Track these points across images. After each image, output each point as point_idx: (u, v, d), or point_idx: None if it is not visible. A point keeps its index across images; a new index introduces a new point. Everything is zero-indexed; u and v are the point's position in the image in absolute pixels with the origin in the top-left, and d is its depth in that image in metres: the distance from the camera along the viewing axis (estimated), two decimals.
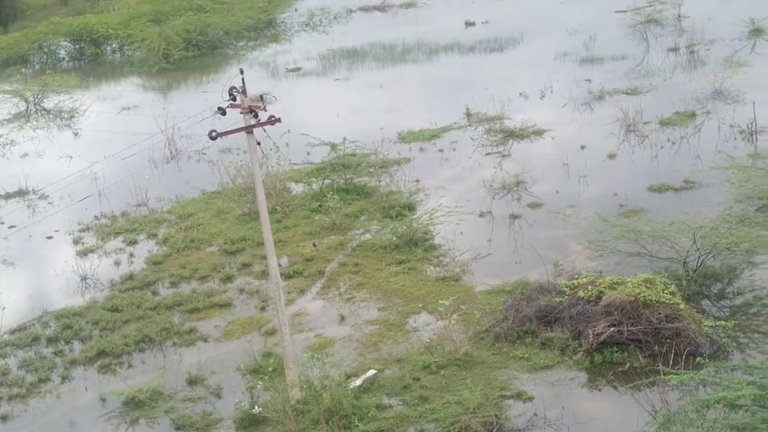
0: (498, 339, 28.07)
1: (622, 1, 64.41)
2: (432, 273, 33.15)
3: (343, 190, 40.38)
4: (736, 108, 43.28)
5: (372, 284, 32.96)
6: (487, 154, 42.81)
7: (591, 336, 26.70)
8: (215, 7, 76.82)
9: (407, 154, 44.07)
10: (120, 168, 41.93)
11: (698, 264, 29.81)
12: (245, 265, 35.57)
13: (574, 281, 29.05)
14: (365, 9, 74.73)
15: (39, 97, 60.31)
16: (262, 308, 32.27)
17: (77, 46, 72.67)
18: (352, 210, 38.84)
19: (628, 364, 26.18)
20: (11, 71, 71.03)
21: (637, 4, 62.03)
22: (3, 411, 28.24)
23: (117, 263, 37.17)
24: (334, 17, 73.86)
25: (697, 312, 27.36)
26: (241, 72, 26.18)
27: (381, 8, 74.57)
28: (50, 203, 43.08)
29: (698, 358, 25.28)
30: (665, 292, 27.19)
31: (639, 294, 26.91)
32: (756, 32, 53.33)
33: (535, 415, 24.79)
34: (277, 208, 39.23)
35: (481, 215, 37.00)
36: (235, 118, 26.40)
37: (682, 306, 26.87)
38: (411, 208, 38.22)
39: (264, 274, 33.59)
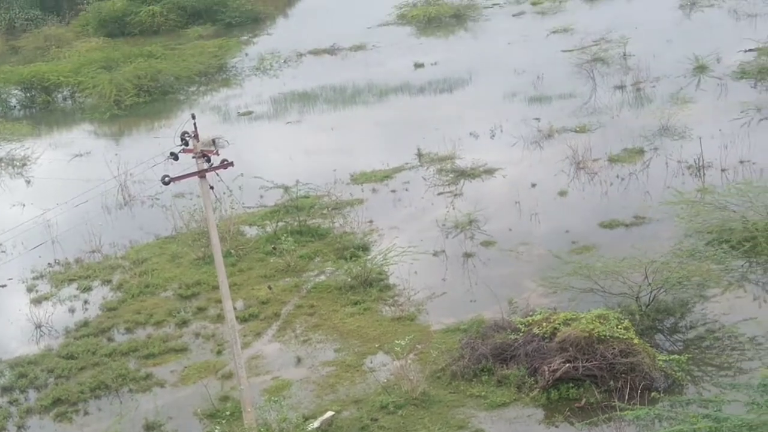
0: (455, 377, 28.18)
1: (568, 40, 65.47)
2: (387, 313, 33.24)
3: (297, 232, 40.44)
4: (683, 144, 44.04)
5: (328, 325, 32.96)
6: (440, 194, 43.12)
7: (547, 372, 26.90)
8: (166, 53, 76.85)
9: (360, 195, 44.27)
10: (73, 215, 41.59)
11: (651, 299, 30.21)
12: (200, 310, 35.42)
13: (529, 318, 29.28)
14: (315, 52, 75.13)
15: None
16: (219, 352, 32.12)
17: (28, 95, 72.20)
18: (306, 252, 38.88)
19: (584, 400, 26.38)
20: None
21: (583, 43, 62.96)
22: None
23: (71, 310, 36.85)
24: (285, 61, 74.16)
25: (650, 346, 27.69)
26: (193, 117, 26.26)
27: (331, 51, 75.02)
28: (3, 251, 42.61)
29: (653, 393, 25.50)
30: (619, 327, 27.48)
31: (593, 330, 27.18)
32: (700, 69, 54.36)
33: None
34: (232, 251, 39.16)
35: (435, 254, 37.22)
36: (188, 162, 26.43)
37: (636, 341, 27.17)
38: (365, 248, 38.35)
39: (219, 318, 33.45)
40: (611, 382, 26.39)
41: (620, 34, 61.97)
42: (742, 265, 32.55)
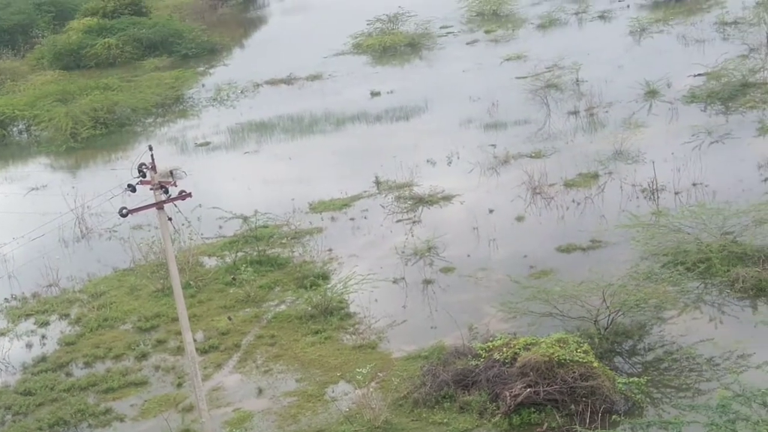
0: (417, 405, 28.22)
1: (522, 67, 66.14)
2: (348, 341, 33.26)
3: (256, 262, 40.40)
4: (637, 167, 44.59)
5: (289, 355, 32.90)
6: (398, 221, 43.30)
7: (508, 398, 27.03)
8: (122, 85, 76.56)
9: (319, 224, 44.33)
10: (29, 249, 41.31)
11: (609, 322, 30.50)
12: (160, 342, 35.22)
13: (489, 344, 29.42)
14: (272, 82, 75.26)
15: None
16: (179, 384, 31.93)
17: None
18: (266, 282, 38.84)
19: (545, 425, 26.54)
20: None
21: (537, 70, 63.62)
22: None
23: (29, 346, 36.48)
24: (242, 91, 74.20)
25: (610, 369, 27.93)
26: (150, 148, 26.26)
27: (287, 81, 75.17)
28: None
29: (614, 416, 25.77)
30: (578, 350, 27.70)
31: (553, 354, 27.37)
32: (651, 94, 55.13)
33: None
34: (191, 282, 39.02)
35: (395, 282, 37.33)
36: (146, 194, 26.40)
37: (595, 364, 27.39)
38: (325, 277, 38.37)
39: (179, 350, 33.28)
40: (572, 406, 26.58)
41: (572, 61, 62.71)
42: (698, 287, 32.97)
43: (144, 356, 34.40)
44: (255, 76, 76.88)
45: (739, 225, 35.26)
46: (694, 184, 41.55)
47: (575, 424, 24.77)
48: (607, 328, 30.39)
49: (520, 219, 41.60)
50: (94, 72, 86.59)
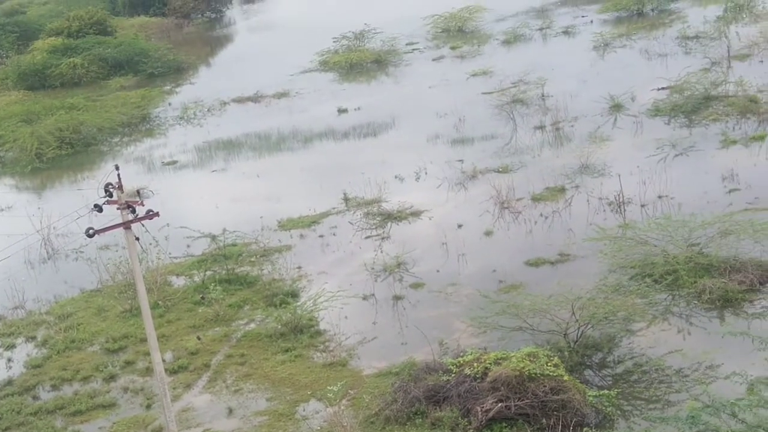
0: (388, 422, 28.15)
1: (488, 83, 66.54)
2: (319, 359, 33.15)
3: (225, 281, 40.24)
4: (603, 181, 44.89)
5: (259, 374, 32.74)
6: (367, 238, 43.29)
7: (480, 413, 27.03)
8: (88, 104, 76.30)
9: (288, 242, 44.24)
10: None
11: (578, 335, 30.61)
12: (128, 363, 34.94)
13: (460, 359, 29.43)
14: (239, 100, 75.23)
15: None
16: (148, 406, 31.66)
17: None
18: (235, 300, 38.67)
19: None
20: None
21: (502, 85, 64.02)
22: None
23: None
24: (208, 110, 74.10)
25: (580, 382, 28.01)
26: (117, 168, 26.15)
27: (254, 99, 75.18)
28: None
29: (585, 429, 25.85)
30: (549, 364, 27.76)
31: (523, 368, 27.42)
32: (616, 108, 55.57)
33: None
34: (159, 302, 38.79)
35: (365, 298, 37.30)
36: (113, 214, 26.25)
37: (566, 377, 27.47)
38: (294, 295, 38.28)
39: (148, 371, 33.04)
40: (543, 420, 26.61)
41: (538, 76, 63.21)
42: (666, 299, 33.17)
43: (112, 378, 34.10)
44: (222, 95, 76.85)
45: (704, 236, 35.56)
46: (659, 197, 41.87)
47: None
48: (576, 341, 30.50)
49: (488, 234, 41.72)
50: (59, 92, 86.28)
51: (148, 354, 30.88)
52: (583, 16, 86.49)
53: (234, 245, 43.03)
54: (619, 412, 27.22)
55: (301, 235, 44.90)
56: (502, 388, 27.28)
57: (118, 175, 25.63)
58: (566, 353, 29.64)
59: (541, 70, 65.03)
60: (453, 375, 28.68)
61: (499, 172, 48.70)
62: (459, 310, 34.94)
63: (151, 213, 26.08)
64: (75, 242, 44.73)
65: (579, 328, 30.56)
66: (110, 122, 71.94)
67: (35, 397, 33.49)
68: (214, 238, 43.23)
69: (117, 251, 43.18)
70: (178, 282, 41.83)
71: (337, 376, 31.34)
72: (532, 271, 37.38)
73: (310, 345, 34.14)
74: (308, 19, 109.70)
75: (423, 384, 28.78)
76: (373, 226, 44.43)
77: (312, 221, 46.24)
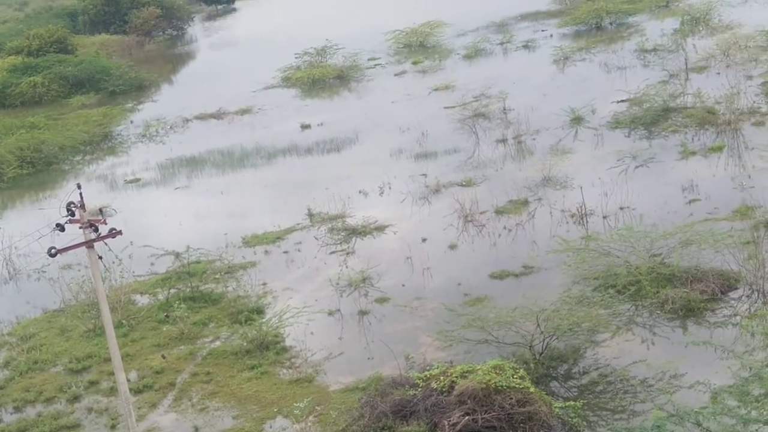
0: None
1: (450, 97, 66.87)
2: (285, 376, 33.06)
3: (189, 299, 40.04)
4: (566, 193, 45.21)
5: (225, 392, 32.59)
6: (332, 253, 43.28)
7: (447, 427, 27.05)
8: (49, 123, 75.83)
9: (252, 258, 44.12)
10: None
11: (543, 347, 30.77)
12: (93, 383, 34.64)
13: (426, 373, 29.45)
14: (201, 117, 75.06)
15: None
16: (113, 426, 31.41)
17: None
18: (200, 318, 38.49)
19: None
20: None
21: (464, 99, 64.34)
22: None
23: None
24: (171, 127, 73.84)
25: (547, 394, 28.15)
26: (79, 186, 26.02)
27: (217, 116, 75.04)
28: None
29: None
30: (515, 376, 27.84)
31: (490, 381, 27.50)
32: (576, 121, 56.03)
33: None
34: (123, 321, 38.54)
35: (330, 314, 37.26)
36: (75, 233, 26.09)
37: (532, 389, 27.58)
38: (260, 311, 38.17)
39: (113, 391, 32.78)
40: None
41: (499, 90, 63.61)
42: (629, 309, 33.43)
43: (76, 398, 33.79)
44: (184, 112, 76.63)
45: (666, 247, 35.91)
46: (621, 208, 42.20)
47: None
48: (542, 353, 30.66)
49: (453, 247, 41.86)
50: (19, 111, 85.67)
51: (112, 374, 30.65)
52: (542, 30, 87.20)
53: (198, 262, 42.86)
54: (585, 423, 27.38)
55: (266, 252, 44.81)
56: (469, 401, 27.34)
57: (80, 193, 25.50)
58: (532, 365, 29.78)
59: (503, 84, 65.46)
60: (420, 389, 28.71)
61: (462, 185, 48.90)
62: (425, 324, 35.01)
63: (113, 231, 25.98)
64: (37, 262, 44.34)
65: (544, 340, 30.73)
66: (72, 141, 71.51)
67: None
68: (178, 255, 43.02)
69: (80, 270, 42.86)
70: (142, 300, 41.58)
71: (304, 392, 31.27)
72: (496, 284, 37.54)
73: (276, 362, 34.05)
74: (270, 35, 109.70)
75: (390, 399, 28.77)
76: (338, 242, 44.44)
77: (276, 237, 46.17)
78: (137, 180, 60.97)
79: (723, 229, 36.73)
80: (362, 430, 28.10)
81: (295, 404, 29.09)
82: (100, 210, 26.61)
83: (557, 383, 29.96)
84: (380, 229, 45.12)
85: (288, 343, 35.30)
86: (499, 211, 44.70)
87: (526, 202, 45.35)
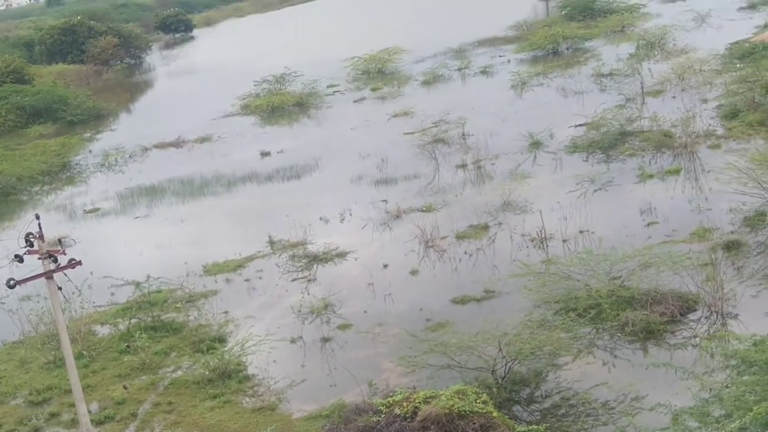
0: None
1: (409, 123, 67.21)
2: (248, 404, 32.90)
3: (151, 328, 39.77)
4: (525, 217, 45.49)
5: (187, 422, 32.37)
6: (294, 280, 43.23)
7: None
8: (6, 153, 75.31)
9: (213, 287, 43.96)
10: None
11: (506, 371, 30.88)
12: (53, 415, 34.25)
13: (390, 399, 29.41)
14: (160, 146, 74.86)
15: None
16: None
17: None
18: (161, 347, 38.24)
19: None
20: None
21: (423, 125, 64.66)
22: None
23: None
24: (130, 156, 73.57)
25: (510, 418, 28.22)
26: (37, 217, 25.92)
27: (176, 144, 74.88)
28: None
29: None
30: (478, 401, 27.89)
31: (453, 406, 27.53)
32: (535, 145, 56.50)
33: None
34: (84, 352, 38.20)
35: (293, 341, 37.18)
36: (34, 264, 25.91)
37: (495, 414, 27.64)
38: (222, 340, 38.00)
39: (74, 423, 32.45)
40: None
41: (458, 115, 63.98)
42: (590, 332, 33.62)
43: (37, 431, 33.40)
44: (143, 140, 76.41)
45: (625, 270, 36.18)
46: (581, 232, 42.52)
47: None
48: (504, 377, 30.76)
49: (414, 273, 41.96)
50: None
51: (73, 405, 30.37)
52: (500, 56, 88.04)
53: (159, 292, 42.63)
54: None
55: (227, 280, 44.67)
56: (432, 426, 27.35)
57: (39, 224, 25.39)
58: (494, 389, 29.87)
59: (461, 110, 65.89)
60: (383, 415, 28.67)
61: (423, 211, 49.08)
62: (387, 350, 35.02)
63: (73, 262, 25.85)
64: None
65: (506, 364, 30.85)
66: (29, 171, 71.04)
67: None
68: (138, 285, 42.76)
69: (39, 302, 42.46)
70: (103, 331, 41.25)
71: (267, 420, 31.15)
72: (458, 309, 37.65)
73: (239, 390, 33.89)
74: (228, 63, 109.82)
75: (353, 425, 28.72)
76: (299, 269, 44.40)
77: (237, 265, 46.05)
78: (96, 210, 60.61)
79: (681, 252, 37.11)
80: None
81: None
82: (59, 240, 26.44)
83: (520, 407, 30.06)
84: (341, 255, 45.15)
85: (250, 371, 35.16)
86: (459, 236, 44.88)
87: (486, 227, 45.57)
